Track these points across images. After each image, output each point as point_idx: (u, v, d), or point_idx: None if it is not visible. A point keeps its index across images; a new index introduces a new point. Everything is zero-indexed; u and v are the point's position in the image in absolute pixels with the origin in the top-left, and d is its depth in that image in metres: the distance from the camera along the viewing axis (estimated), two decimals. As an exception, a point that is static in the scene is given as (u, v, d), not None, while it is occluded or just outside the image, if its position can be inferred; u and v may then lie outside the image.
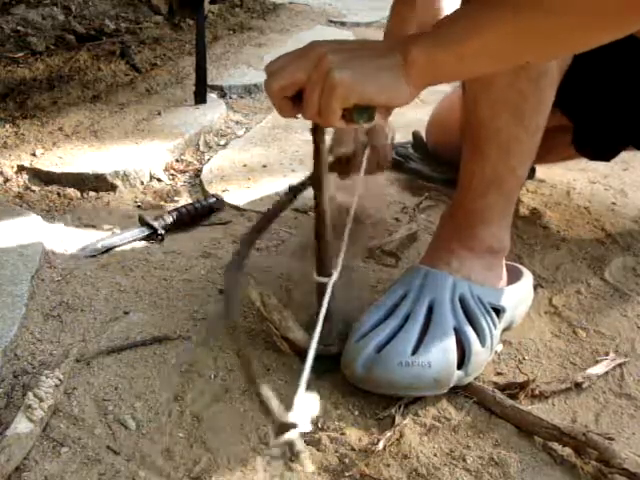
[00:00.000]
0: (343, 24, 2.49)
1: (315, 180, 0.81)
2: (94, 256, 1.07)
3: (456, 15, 0.68)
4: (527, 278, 0.95)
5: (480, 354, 0.82)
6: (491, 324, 0.85)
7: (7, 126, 1.48)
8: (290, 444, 0.60)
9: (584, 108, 1.04)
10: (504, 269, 0.93)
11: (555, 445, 0.75)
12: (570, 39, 0.65)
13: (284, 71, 0.68)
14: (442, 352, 0.79)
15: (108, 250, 1.09)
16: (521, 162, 0.88)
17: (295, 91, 0.68)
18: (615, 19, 0.61)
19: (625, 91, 1.01)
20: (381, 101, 0.68)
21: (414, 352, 0.79)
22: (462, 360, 0.81)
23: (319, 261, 0.83)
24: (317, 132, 0.77)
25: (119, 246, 1.10)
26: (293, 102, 0.69)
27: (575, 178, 1.35)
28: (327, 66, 0.65)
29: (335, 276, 0.80)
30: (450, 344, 0.80)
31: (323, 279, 0.81)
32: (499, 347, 0.89)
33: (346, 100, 0.66)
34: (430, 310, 0.83)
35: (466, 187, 0.90)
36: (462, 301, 0.84)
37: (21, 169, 1.31)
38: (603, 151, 1.12)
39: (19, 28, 2.01)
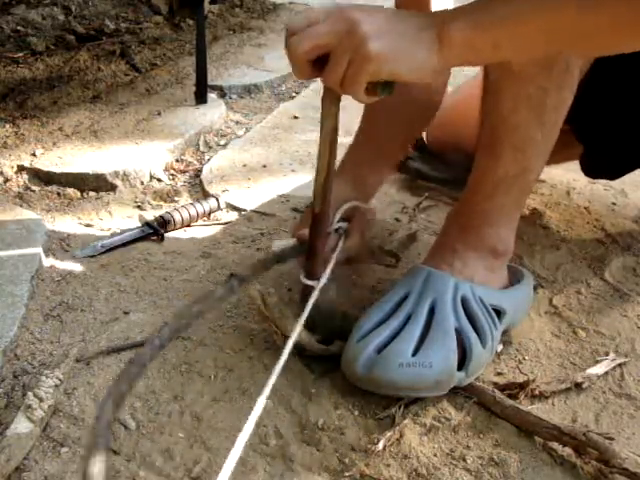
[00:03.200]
0: (343, 24, 2.48)
1: (318, 165, 0.75)
2: (94, 256, 1.07)
3: None
4: (528, 280, 0.95)
5: (481, 355, 0.82)
6: (492, 325, 0.84)
7: (7, 126, 1.48)
8: None
9: (596, 131, 1.04)
10: (506, 271, 0.93)
11: (555, 445, 0.75)
12: (622, 37, 0.63)
13: (312, 31, 0.63)
14: (443, 353, 0.79)
15: (108, 250, 1.09)
16: (534, 164, 0.88)
17: (319, 54, 0.65)
18: None
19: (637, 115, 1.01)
20: (410, 78, 0.66)
21: (415, 353, 0.79)
22: (463, 361, 0.81)
23: (309, 264, 0.82)
24: (328, 100, 0.70)
25: (119, 246, 1.10)
26: (313, 65, 0.65)
27: (575, 178, 1.35)
28: (362, 35, 0.62)
29: (323, 281, 0.80)
30: (451, 345, 0.80)
31: (310, 282, 0.81)
32: (499, 347, 0.89)
33: (377, 74, 0.64)
34: (432, 311, 0.83)
35: (476, 187, 0.90)
36: (464, 302, 0.84)
37: (21, 169, 1.31)
38: (610, 172, 1.13)
39: (19, 28, 2.01)
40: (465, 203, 0.91)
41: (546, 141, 0.87)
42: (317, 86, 1.83)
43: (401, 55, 0.63)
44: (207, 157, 1.44)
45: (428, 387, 0.78)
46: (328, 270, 0.81)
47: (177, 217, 1.15)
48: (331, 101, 0.70)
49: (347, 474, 0.71)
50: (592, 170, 1.13)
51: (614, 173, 1.14)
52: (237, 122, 1.62)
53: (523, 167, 0.87)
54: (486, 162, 0.88)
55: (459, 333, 0.82)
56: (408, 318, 0.83)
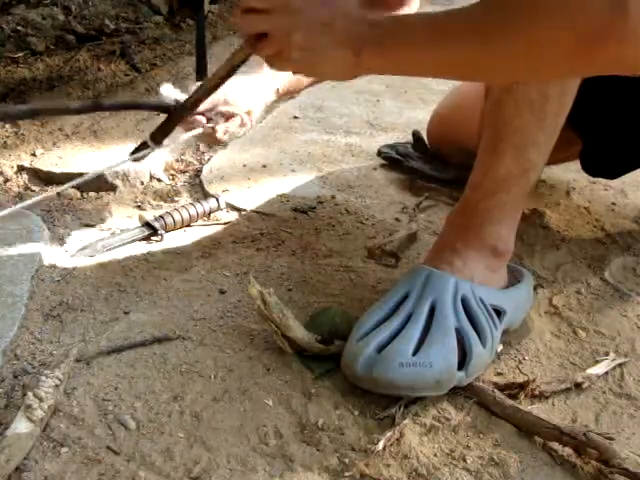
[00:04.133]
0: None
1: (212, 76, 0.88)
2: (94, 256, 1.07)
3: (414, 20, 0.77)
4: (528, 280, 0.95)
5: (481, 355, 0.82)
6: (492, 325, 0.84)
7: (7, 126, 1.48)
8: None
9: (596, 127, 1.05)
10: (506, 271, 0.93)
11: (555, 445, 0.75)
12: (527, 68, 0.70)
13: (261, 20, 0.77)
14: (443, 353, 0.79)
15: (108, 250, 1.09)
16: (535, 164, 0.89)
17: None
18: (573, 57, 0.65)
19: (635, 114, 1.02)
20: (326, 80, 0.89)
21: (415, 352, 0.79)
22: (463, 361, 0.81)
23: (159, 128, 0.92)
24: (247, 47, 0.80)
25: (119, 246, 1.10)
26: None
27: (575, 178, 1.35)
28: (292, 43, 0.75)
29: (157, 148, 0.91)
30: (451, 345, 0.80)
31: (149, 141, 0.91)
32: (499, 347, 0.89)
33: (297, 72, 0.83)
34: (432, 310, 0.83)
35: (476, 186, 0.90)
36: (464, 302, 0.84)
37: (21, 169, 1.31)
38: (609, 171, 1.13)
39: (19, 28, 2.01)
40: (466, 201, 0.92)
41: (547, 142, 0.88)
42: (317, 85, 1.83)
43: (317, 68, 0.79)
44: (207, 157, 1.44)
45: (428, 387, 0.78)
46: (168, 142, 0.94)
47: (177, 217, 1.15)
48: (249, 49, 0.81)
49: (347, 474, 0.71)
50: (591, 167, 1.13)
51: (613, 172, 1.14)
52: (237, 122, 1.62)
53: (525, 167, 0.88)
54: (488, 161, 0.89)
55: (459, 333, 0.82)
56: (408, 318, 0.83)
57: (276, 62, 0.78)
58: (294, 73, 0.84)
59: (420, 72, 0.82)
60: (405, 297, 0.85)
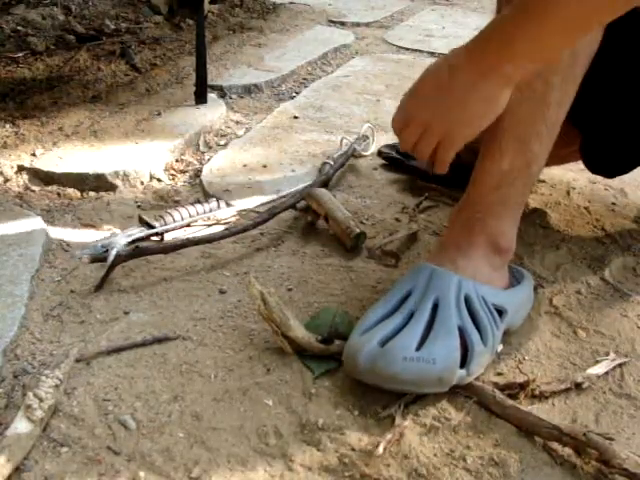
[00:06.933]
0: (343, 24, 2.49)
1: None
2: (94, 256, 1.07)
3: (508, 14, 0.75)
4: (528, 281, 0.95)
5: (482, 354, 0.82)
6: (493, 324, 0.84)
7: (7, 126, 1.48)
8: None
9: (596, 122, 1.04)
10: (507, 271, 0.93)
11: (555, 445, 0.75)
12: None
13: (407, 135, 0.85)
14: (446, 350, 0.79)
15: (108, 250, 1.09)
16: (538, 156, 0.89)
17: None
18: None
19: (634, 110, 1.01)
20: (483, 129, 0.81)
21: (418, 348, 0.78)
22: (464, 359, 0.81)
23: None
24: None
25: (119, 246, 1.10)
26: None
27: (575, 178, 1.35)
28: (435, 137, 0.82)
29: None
30: (454, 342, 0.80)
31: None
32: (499, 347, 0.89)
33: (459, 143, 0.83)
34: (435, 308, 0.83)
35: (480, 179, 0.90)
36: (466, 300, 0.84)
37: (21, 169, 1.31)
38: (610, 167, 1.13)
39: (19, 28, 2.01)
40: (469, 196, 0.91)
41: (549, 134, 0.88)
42: (317, 85, 1.84)
43: (465, 128, 0.80)
44: (207, 157, 1.44)
45: (431, 383, 0.78)
46: None
47: (177, 217, 1.15)
48: None
49: (347, 474, 0.71)
50: (592, 163, 1.12)
51: (612, 169, 1.14)
52: (237, 122, 1.62)
53: (527, 160, 0.87)
54: (491, 154, 0.89)
55: (461, 331, 0.82)
56: (411, 315, 0.82)
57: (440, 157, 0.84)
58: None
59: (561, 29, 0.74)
60: (408, 295, 0.85)
